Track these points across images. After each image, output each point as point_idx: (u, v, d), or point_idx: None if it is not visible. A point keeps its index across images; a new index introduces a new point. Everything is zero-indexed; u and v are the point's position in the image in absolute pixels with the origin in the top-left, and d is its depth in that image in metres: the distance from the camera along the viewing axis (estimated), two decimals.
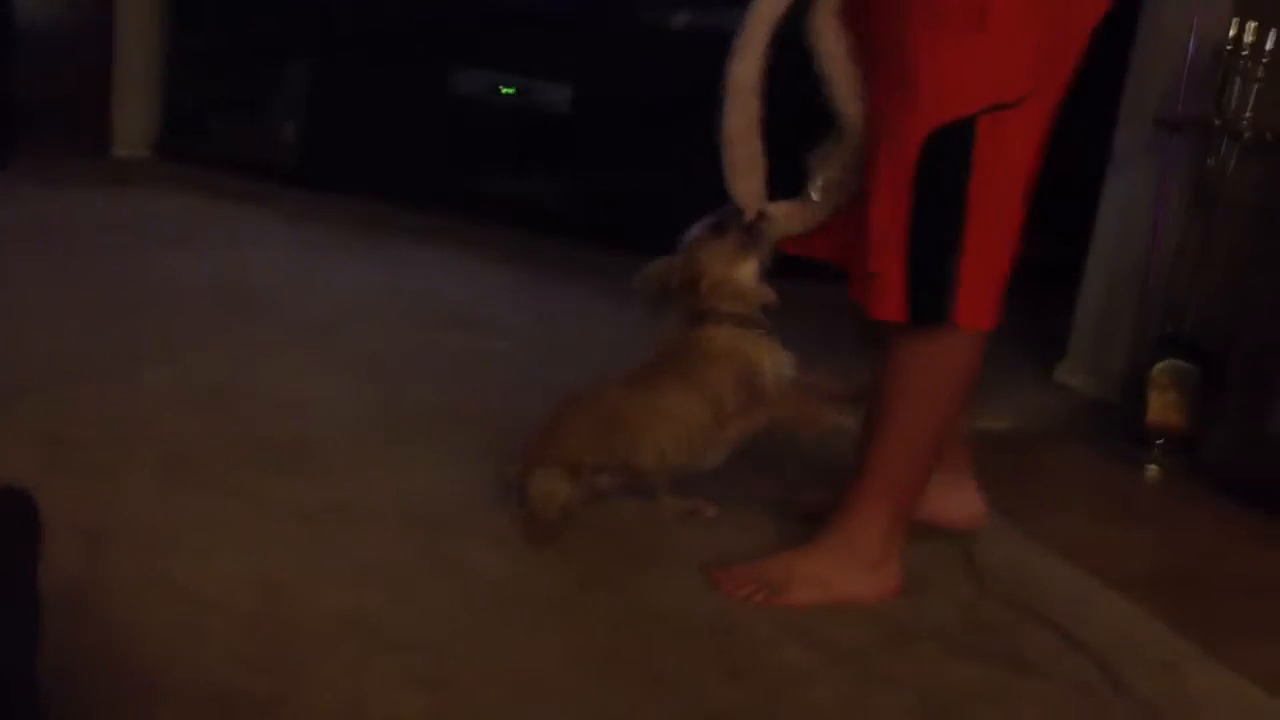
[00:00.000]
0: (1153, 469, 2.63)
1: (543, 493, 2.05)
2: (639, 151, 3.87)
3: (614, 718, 1.64)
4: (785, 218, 2.05)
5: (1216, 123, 2.75)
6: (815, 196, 2.01)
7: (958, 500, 2.15)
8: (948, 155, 1.78)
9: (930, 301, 1.84)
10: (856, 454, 1.99)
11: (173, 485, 2.14)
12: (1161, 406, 2.68)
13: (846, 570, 1.96)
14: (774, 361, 2.06)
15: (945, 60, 1.75)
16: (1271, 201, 2.68)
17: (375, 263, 3.65)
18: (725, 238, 2.04)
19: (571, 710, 1.64)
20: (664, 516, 2.17)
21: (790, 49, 1.96)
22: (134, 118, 4.59)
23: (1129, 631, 1.96)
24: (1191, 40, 2.81)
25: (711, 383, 2.04)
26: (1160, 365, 2.70)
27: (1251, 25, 2.71)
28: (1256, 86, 2.72)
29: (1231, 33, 2.72)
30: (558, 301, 3.46)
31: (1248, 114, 2.73)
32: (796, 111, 1.89)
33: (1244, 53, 2.71)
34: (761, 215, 2.03)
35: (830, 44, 1.93)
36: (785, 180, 2.06)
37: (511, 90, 4.03)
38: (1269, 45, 2.70)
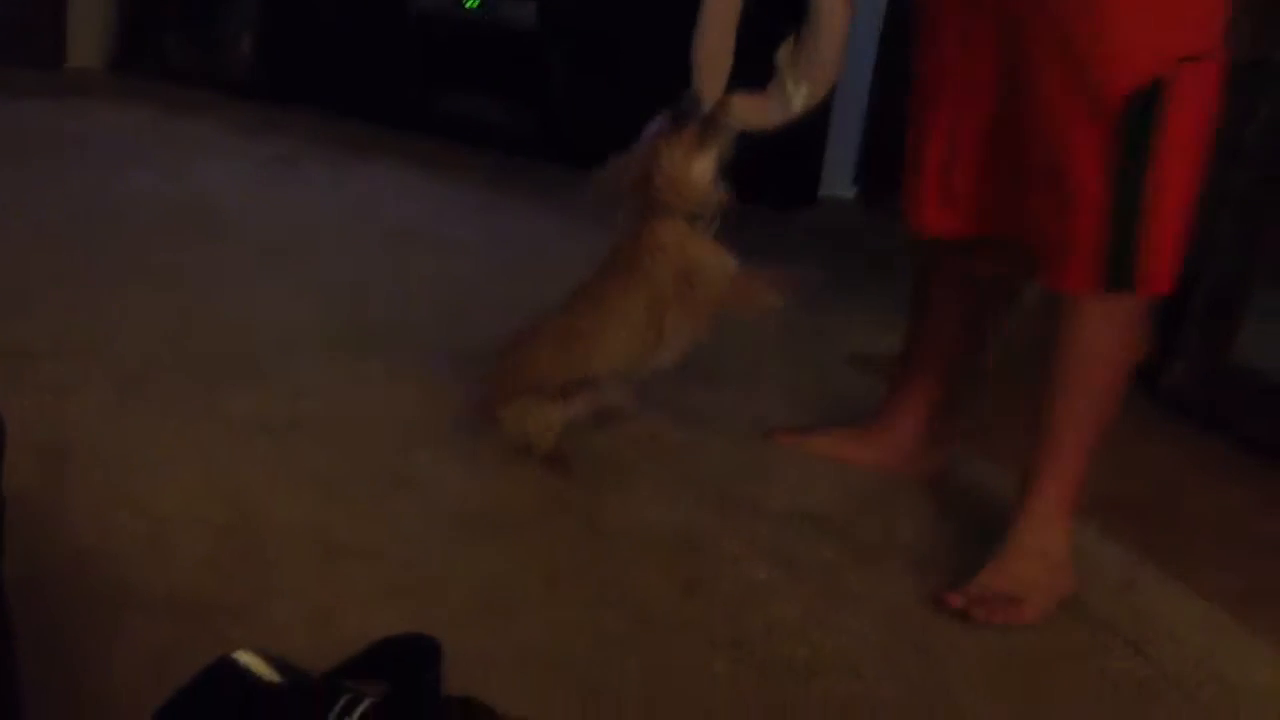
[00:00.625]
0: None
1: (538, 427, 2.05)
2: (604, 70, 3.83)
3: (577, 629, 1.64)
4: (746, 110, 1.98)
5: None
6: (782, 93, 1.96)
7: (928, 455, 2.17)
8: (1146, 114, 1.67)
9: (1128, 268, 1.75)
10: (1028, 452, 1.90)
11: (133, 401, 2.12)
12: None
13: (1055, 571, 1.87)
14: (718, 260, 2.02)
15: (1143, 15, 1.65)
16: (1236, 135, 2.68)
17: (335, 180, 3.62)
18: (682, 130, 1.97)
19: (536, 621, 1.65)
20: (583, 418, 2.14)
21: None
22: (88, 29, 4.51)
23: (1087, 551, 1.98)
24: None
25: (653, 278, 2.00)
26: None
27: None
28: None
29: None
30: (519, 221, 3.44)
31: None
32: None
33: None
34: (721, 105, 1.97)
35: None
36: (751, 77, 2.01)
37: (475, 4, 3.97)
38: None
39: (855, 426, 2.20)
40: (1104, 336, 1.81)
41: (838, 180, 4.13)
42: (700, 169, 1.99)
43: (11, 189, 3.12)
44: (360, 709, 1.24)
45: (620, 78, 3.74)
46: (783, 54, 1.97)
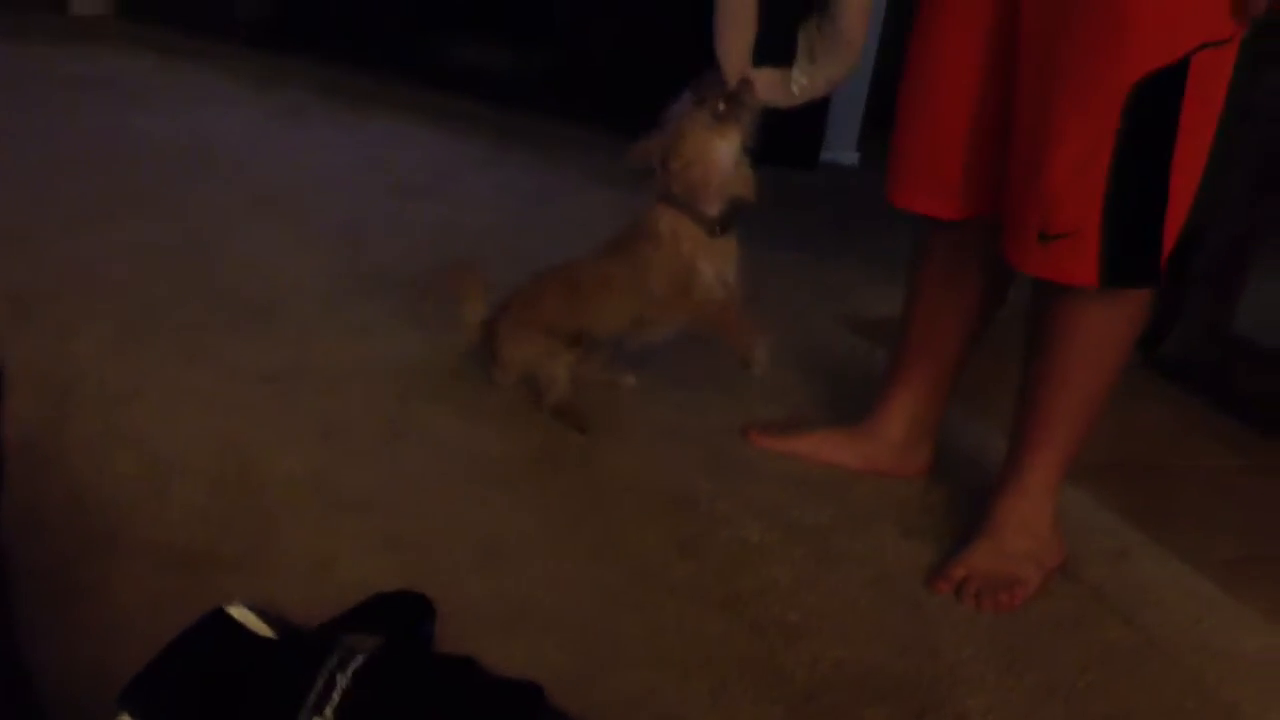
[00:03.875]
0: None
1: (547, 374, 2.08)
2: (613, 24, 3.81)
3: (573, 585, 1.65)
4: (768, 87, 1.96)
5: None
6: (800, 73, 1.95)
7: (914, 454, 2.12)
8: (1159, 102, 1.60)
9: (1132, 262, 1.69)
10: (1016, 420, 1.88)
11: (135, 344, 2.13)
12: None
13: (1047, 542, 1.87)
14: (717, 266, 2.02)
15: (1161, 1, 1.57)
16: (1241, 99, 2.67)
17: (341, 131, 3.61)
18: (704, 109, 1.97)
19: (531, 576, 1.66)
20: (584, 379, 2.17)
21: None
22: None
23: (1080, 518, 1.99)
24: None
25: (641, 261, 2.03)
26: None
27: None
28: None
29: None
30: (525, 174, 3.44)
31: None
32: None
33: None
34: (744, 84, 1.95)
35: None
36: (774, 51, 1.99)
37: None
38: None
39: (841, 427, 2.13)
40: (1105, 324, 1.77)
41: (841, 144, 4.12)
42: (723, 149, 1.99)
43: (15, 134, 3.12)
44: (353, 665, 1.25)
45: (630, 32, 3.73)
46: (804, 33, 1.94)
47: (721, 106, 1.96)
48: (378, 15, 4.18)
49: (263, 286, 2.43)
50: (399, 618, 1.44)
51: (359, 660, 1.26)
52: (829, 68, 1.96)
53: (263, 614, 1.35)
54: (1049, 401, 1.83)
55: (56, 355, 2.04)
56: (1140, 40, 1.58)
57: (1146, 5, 1.57)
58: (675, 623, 1.61)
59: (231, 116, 3.57)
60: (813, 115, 3.93)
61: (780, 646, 1.59)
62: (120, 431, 1.85)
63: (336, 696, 1.23)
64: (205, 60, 4.08)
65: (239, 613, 1.33)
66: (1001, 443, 1.91)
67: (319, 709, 1.22)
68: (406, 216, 2.98)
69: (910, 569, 1.82)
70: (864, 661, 1.59)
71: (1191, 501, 2.19)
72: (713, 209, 2.02)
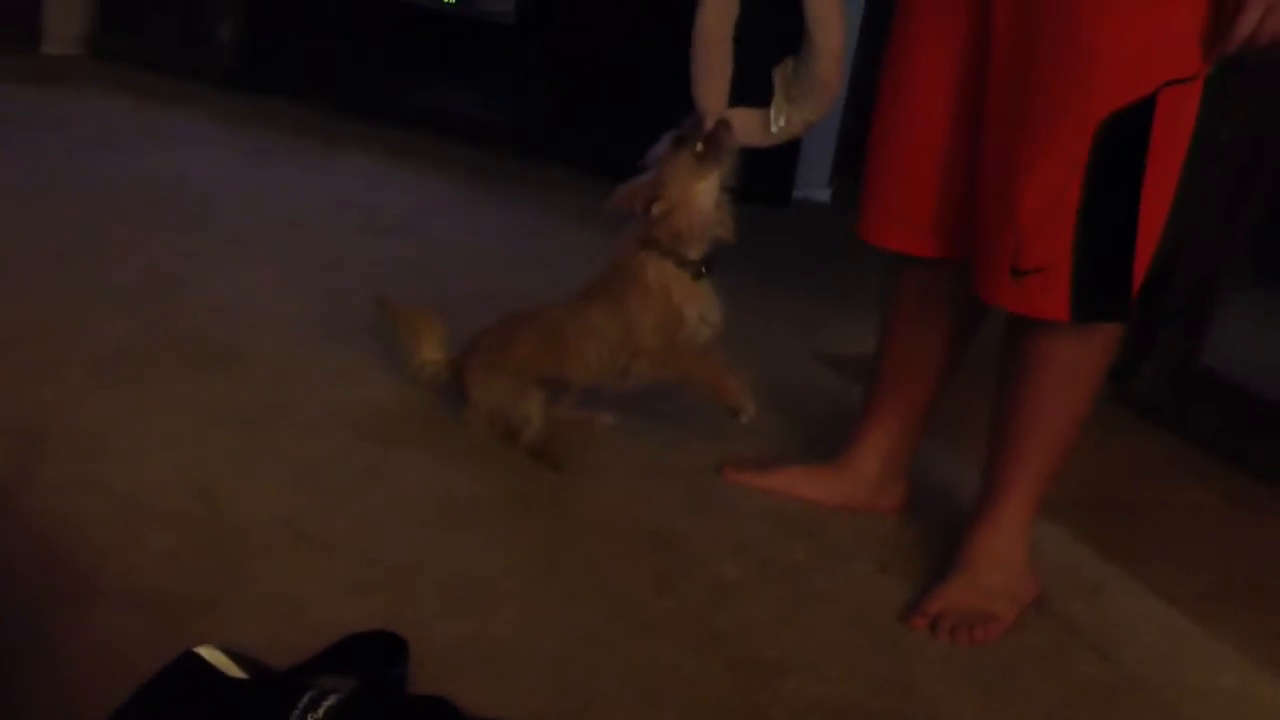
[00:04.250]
0: None
1: (519, 414, 2.07)
2: (583, 65, 3.83)
3: (548, 625, 1.65)
4: (745, 127, 1.98)
5: None
6: (778, 114, 1.96)
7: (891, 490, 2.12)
8: (1126, 137, 1.61)
9: (1103, 296, 1.69)
10: (989, 454, 1.88)
11: (106, 386, 2.11)
12: None
13: (1021, 576, 1.87)
14: (700, 310, 2.03)
15: (1129, 35, 1.58)
16: (1211, 135, 2.69)
17: (312, 170, 3.61)
18: (684, 151, 1.98)
19: (506, 617, 1.65)
20: (558, 418, 2.16)
21: None
22: (66, 13, 4.48)
23: (1053, 553, 1.99)
24: None
25: (631, 312, 2.03)
26: None
27: None
28: None
29: None
30: (497, 214, 3.44)
31: None
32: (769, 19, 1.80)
33: None
34: (723, 124, 1.96)
35: None
36: (750, 92, 2.00)
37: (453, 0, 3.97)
38: None
39: (814, 464, 2.12)
40: (1078, 356, 1.77)
41: (813, 182, 4.14)
42: (705, 192, 2.00)
43: None
44: (325, 705, 1.24)
45: (599, 73, 3.74)
46: (781, 74, 1.96)
47: (700, 148, 1.97)
48: (351, 55, 4.19)
49: (233, 328, 2.42)
50: (372, 658, 1.43)
51: (331, 700, 1.25)
52: (805, 109, 1.97)
53: (235, 656, 1.34)
54: (1022, 434, 1.83)
55: (25, 399, 2.03)
56: (1109, 75, 1.60)
57: (1115, 41, 1.58)
58: (652, 661, 1.60)
59: (203, 157, 3.57)
60: (785, 153, 3.95)
61: (757, 684, 1.59)
62: (90, 475, 1.83)
63: None
64: (177, 100, 4.08)
65: (211, 654, 1.32)
66: (975, 477, 1.92)
67: None
68: (378, 256, 2.97)
69: (886, 605, 1.82)
70: (840, 699, 1.58)
71: (1164, 535, 2.19)
72: (695, 252, 2.02)
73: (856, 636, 1.73)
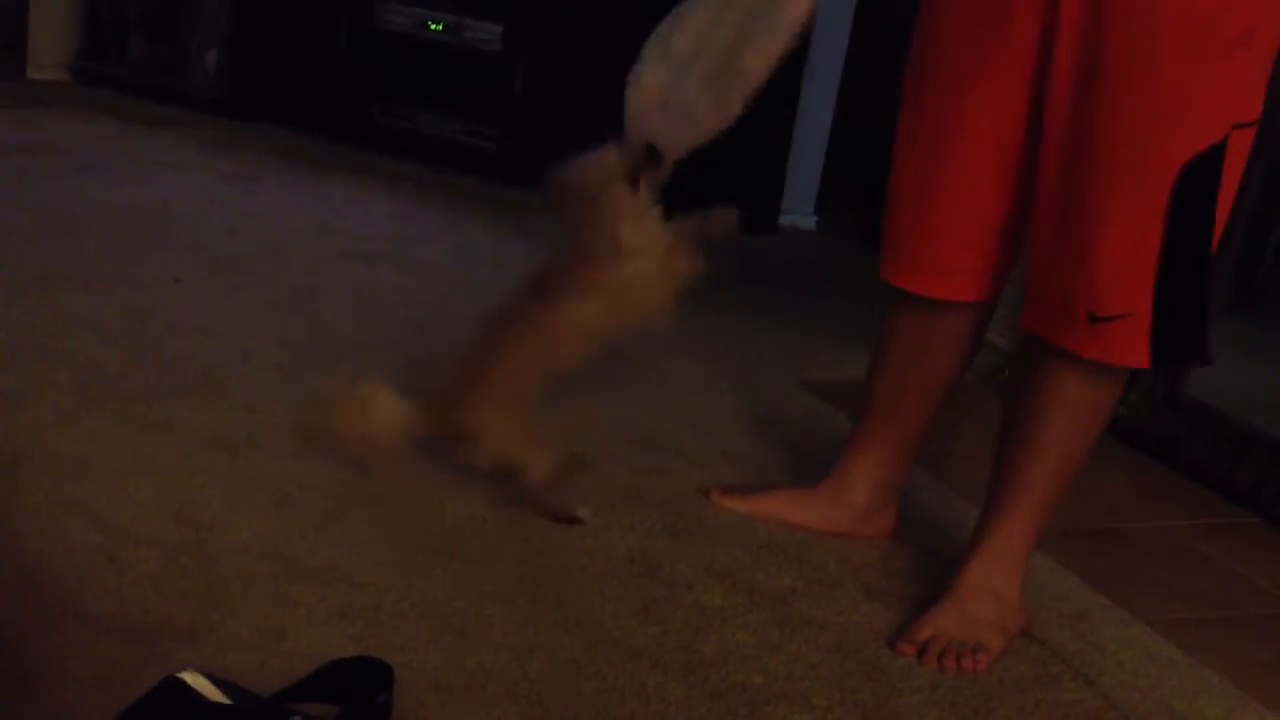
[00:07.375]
0: None
1: (524, 466, 1.99)
2: (568, 94, 3.83)
3: (532, 652, 1.64)
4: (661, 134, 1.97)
5: None
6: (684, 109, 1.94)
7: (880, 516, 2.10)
8: (1203, 182, 1.63)
9: (1184, 339, 1.71)
10: (992, 485, 1.88)
11: (87, 412, 2.10)
12: None
13: (1013, 609, 1.86)
14: (652, 287, 1.98)
15: (1207, 84, 1.60)
16: None
17: (295, 196, 3.60)
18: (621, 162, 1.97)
19: (490, 644, 1.64)
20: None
21: None
22: (51, 38, 4.48)
23: (1041, 582, 1.99)
24: None
25: (582, 313, 1.98)
26: None
27: None
28: None
29: None
30: (481, 240, 3.44)
31: None
32: None
33: None
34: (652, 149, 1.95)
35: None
36: None
37: (439, 27, 3.97)
38: None
39: (803, 487, 2.11)
40: (1091, 392, 1.78)
41: (799, 209, 4.15)
42: (640, 201, 1.97)
43: None
44: None
45: (584, 101, 3.74)
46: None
47: (634, 160, 1.96)
48: (335, 84, 4.19)
49: (216, 354, 2.41)
50: (356, 685, 1.42)
51: None
52: (709, 98, 1.95)
53: (217, 681, 1.33)
54: (1030, 467, 1.83)
55: (6, 425, 2.01)
56: (1191, 121, 1.61)
57: (1190, 90, 1.60)
58: (637, 689, 1.59)
59: (186, 182, 3.56)
60: (771, 181, 3.97)
61: (743, 712, 1.58)
62: (72, 502, 1.82)
63: None
64: (161, 126, 4.07)
65: (193, 679, 1.31)
66: (963, 505, 1.92)
67: None
68: (361, 282, 2.97)
69: (873, 632, 1.81)
70: None
71: (1151, 564, 2.19)
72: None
73: (843, 664, 1.72)
